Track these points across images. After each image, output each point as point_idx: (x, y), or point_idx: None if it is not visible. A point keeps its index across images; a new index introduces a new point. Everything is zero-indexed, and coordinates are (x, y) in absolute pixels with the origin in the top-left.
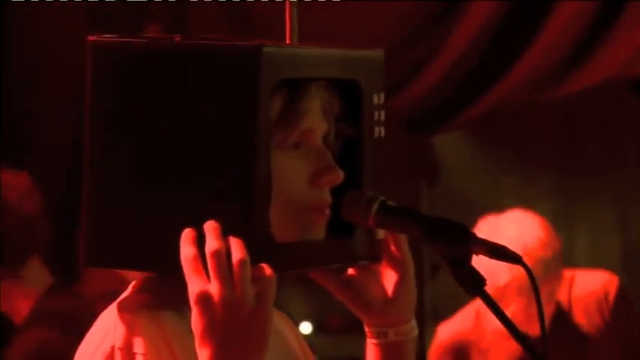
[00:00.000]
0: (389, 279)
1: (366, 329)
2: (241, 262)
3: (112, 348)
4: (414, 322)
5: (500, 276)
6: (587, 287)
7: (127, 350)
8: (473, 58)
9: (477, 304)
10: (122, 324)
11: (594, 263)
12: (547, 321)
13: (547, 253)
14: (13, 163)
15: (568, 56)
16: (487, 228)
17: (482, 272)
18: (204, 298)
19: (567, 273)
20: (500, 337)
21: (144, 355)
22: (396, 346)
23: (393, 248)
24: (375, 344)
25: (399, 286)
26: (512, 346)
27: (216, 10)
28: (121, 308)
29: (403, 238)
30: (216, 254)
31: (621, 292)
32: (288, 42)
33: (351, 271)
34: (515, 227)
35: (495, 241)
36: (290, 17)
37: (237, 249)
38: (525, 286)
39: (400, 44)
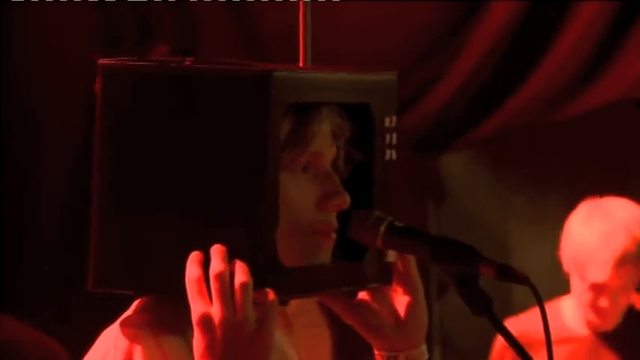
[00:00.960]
0: (399, 303)
1: (376, 353)
2: (243, 285)
3: None
4: (424, 347)
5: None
6: None
7: None
8: (482, 78)
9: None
10: (123, 343)
11: None
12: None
13: None
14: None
15: (577, 76)
16: (592, 209)
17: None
18: (206, 320)
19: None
20: (562, 336)
21: None
22: None
23: (402, 271)
24: None
25: (410, 310)
26: (570, 345)
27: (227, 29)
28: (122, 327)
29: (412, 262)
30: (219, 277)
31: None
32: (300, 65)
33: (360, 294)
34: (623, 211)
35: (502, 262)
36: (303, 39)
37: (240, 272)
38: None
39: (407, 65)
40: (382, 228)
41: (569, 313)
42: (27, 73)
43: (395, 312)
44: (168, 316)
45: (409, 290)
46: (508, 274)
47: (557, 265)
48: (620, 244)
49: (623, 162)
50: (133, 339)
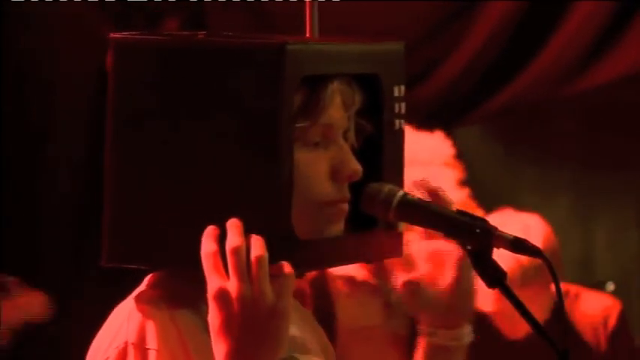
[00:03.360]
0: (444, 283)
1: (417, 325)
2: (259, 259)
3: (126, 343)
4: (465, 329)
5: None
6: (589, 309)
7: (140, 346)
8: (492, 52)
9: None
10: (136, 319)
11: (613, 258)
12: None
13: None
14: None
15: (587, 51)
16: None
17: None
18: (222, 295)
19: (573, 289)
20: None
21: (157, 350)
22: (443, 349)
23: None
24: (424, 342)
25: (453, 291)
26: None
27: (233, 6)
28: (135, 303)
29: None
30: (235, 251)
31: (621, 320)
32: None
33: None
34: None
35: (516, 234)
36: (310, 16)
37: (256, 246)
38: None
39: (419, 39)
40: (395, 201)
41: None
42: (39, 27)
43: (440, 289)
44: (182, 291)
45: (458, 272)
46: (522, 247)
47: (568, 237)
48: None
49: (631, 136)
50: (145, 314)
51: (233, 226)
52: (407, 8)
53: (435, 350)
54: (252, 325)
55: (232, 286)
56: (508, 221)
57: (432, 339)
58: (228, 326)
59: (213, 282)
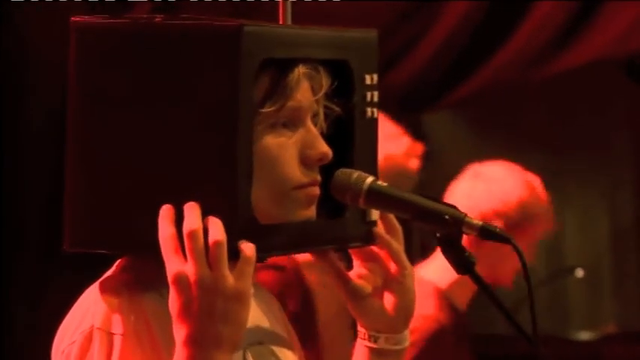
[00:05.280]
0: (387, 287)
1: (359, 328)
2: (218, 243)
3: (91, 328)
4: (406, 333)
5: None
6: None
7: (106, 330)
8: (463, 37)
9: None
10: (102, 304)
11: (583, 242)
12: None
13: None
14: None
15: (558, 35)
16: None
17: None
18: (181, 279)
19: None
20: None
21: (122, 335)
22: (384, 353)
23: (391, 257)
24: (365, 346)
25: (396, 295)
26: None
27: None
28: (102, 288)
29: (400, 249)
30: (192, 234)
31: None
32: (281, 22)
33: (354, 275)
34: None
35: (486, 221)
36: (283, 4)
37: (214, 229)
38: None
39: (390, 24)
40: (365, 187)
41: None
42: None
43: (382, 295)
44: (148, 275)
45: (399, 277)
46: (490, 233)
47: None
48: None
49: (601, 121)
50: (111, 300)
51: (190, 208)
52: None
53: (377, 354)
54: (212, 309)
55: (190, 269)
56: (484, 170)
57: (374, 343)
58: (188, 310)
59: (172, 266)
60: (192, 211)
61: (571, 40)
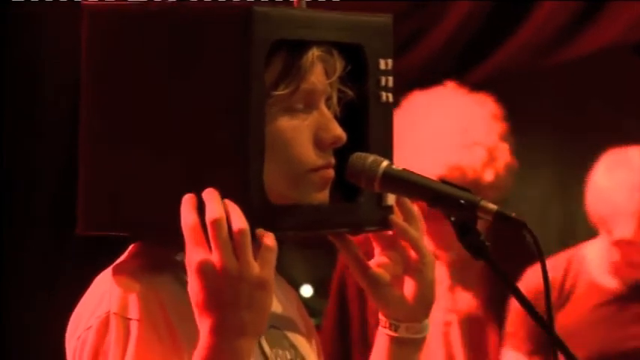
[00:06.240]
0: (408, 276)
1: (379, 316)
2: (242, 231)
3: (107, 313)
4: (425, 322)
5: None
6: None
7: (122, 316)
8: (474, 24)
9: (570, 252)
10: (118, 289)
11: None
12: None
13: None
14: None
15: (570, 21)
16: (615, 160)
17: None
18: (206, 268)
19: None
20: (589, 285)
21: (139, 320)
22: (404, 342)
23: (413, 246)
24: (386, 335)
25: (416, 285)
26: (596, 295)
27: None
28: (117, 272)
29: (421, 239)
30: (216, 223)
31: None
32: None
33: (375, 263)
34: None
35: (500, 207)
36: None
37: (236, 218)
38: None
39: (402, 12)
40: (380, 171)
41: (595, 263)
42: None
43: (402, 285)
44: (163, 260)
45: (419, 266)
46: (505, 218)
47: (546, 209)
48: None
49: (615, 107)
50: (127, 285)
51: (211, 195)
52: None
53: (397, 343)
54: (237, 298)
55: (216, 259)
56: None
57: (394, 332)
58: (214, 300)
59: (196, 254)
60: (213, 199)
61: (582, 28)
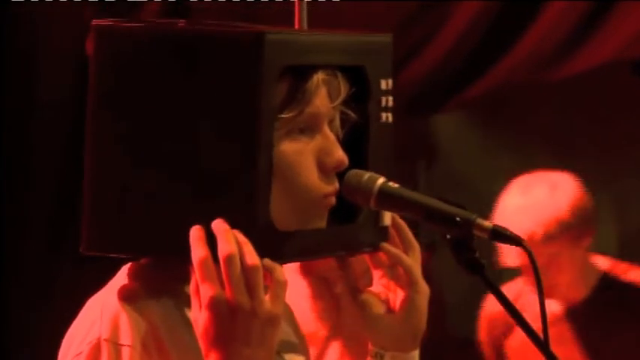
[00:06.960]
0: (398, 304)
1: (369, 344)
2: (254, 268)
3: (99, 339)
4: (414, 353)
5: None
6: None
7: (114, 342)
8: (473, 39)
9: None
10: (109, 313)
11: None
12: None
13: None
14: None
15: (568, 38)
16: (519, 182)
17: None
18: (218, 305)
19: (622, 266)
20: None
21: (131, 347)
22: None
23: (406, 274)
24: None
25: (406, 313)
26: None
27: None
28: (109, 297)
29: (416, 266)
30: (229, 260)
31: None
32: (296, 27)
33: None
34: (544, 189)
35: (496, 223)
36: (298, 4)
37: (249, 253)
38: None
39: (399, 25)
40: (376, 187)
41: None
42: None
43: (392, 312)
44: (160, 282)
45: (411, 293)
46: (502, 235)
47: None
48: (529, 225)
49: (614, 123)
50: (119, 309)
51: (222, 230)
52: None
53: None
54: (250, 335)
55: (229, 295)
56: (535, 181)
57: None
58: (224, 336)
59: (208, 289)
60: (224, 232)
61: (582, 43)
